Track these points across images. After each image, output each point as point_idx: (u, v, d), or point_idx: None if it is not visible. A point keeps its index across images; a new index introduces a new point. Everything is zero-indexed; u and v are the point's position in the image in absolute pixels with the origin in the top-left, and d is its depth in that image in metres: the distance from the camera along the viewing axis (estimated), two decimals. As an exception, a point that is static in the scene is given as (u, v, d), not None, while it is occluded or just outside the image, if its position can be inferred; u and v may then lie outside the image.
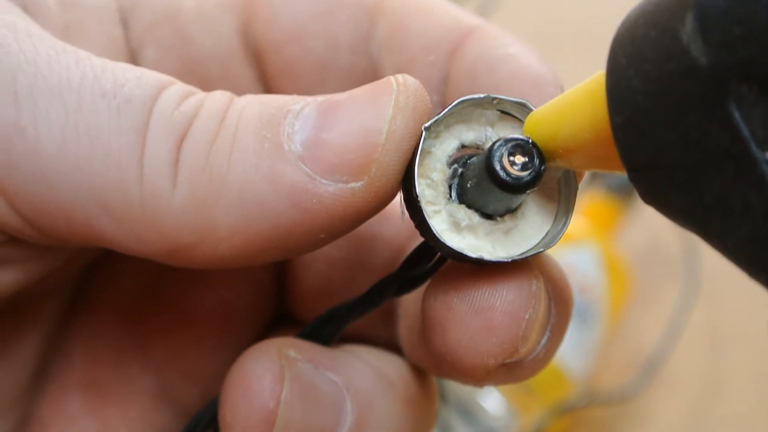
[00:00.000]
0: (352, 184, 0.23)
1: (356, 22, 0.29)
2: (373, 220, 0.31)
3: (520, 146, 0.22)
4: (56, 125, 0.23)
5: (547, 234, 0.24)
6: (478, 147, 0.24)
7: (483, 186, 0.23)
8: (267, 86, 0.30)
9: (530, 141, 0.22)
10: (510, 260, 0.23)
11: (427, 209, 0.23)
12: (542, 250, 0.24)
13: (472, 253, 0.23)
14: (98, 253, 0.31)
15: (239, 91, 0.29)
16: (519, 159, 0.22)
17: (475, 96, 0.24)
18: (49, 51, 0.23)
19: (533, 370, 0.26)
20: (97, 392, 0.31)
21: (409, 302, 0.29)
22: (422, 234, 0.24)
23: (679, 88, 0.18)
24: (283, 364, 0.26)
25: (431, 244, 0.24)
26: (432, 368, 0.29)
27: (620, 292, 0.64)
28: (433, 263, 0.26)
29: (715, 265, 0.67)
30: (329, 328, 0.28)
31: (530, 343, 0.25)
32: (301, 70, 0.29)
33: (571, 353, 0.59)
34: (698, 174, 0.19)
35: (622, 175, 0.22)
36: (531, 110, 0.24)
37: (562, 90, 0.25)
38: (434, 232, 0.23)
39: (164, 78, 0.24)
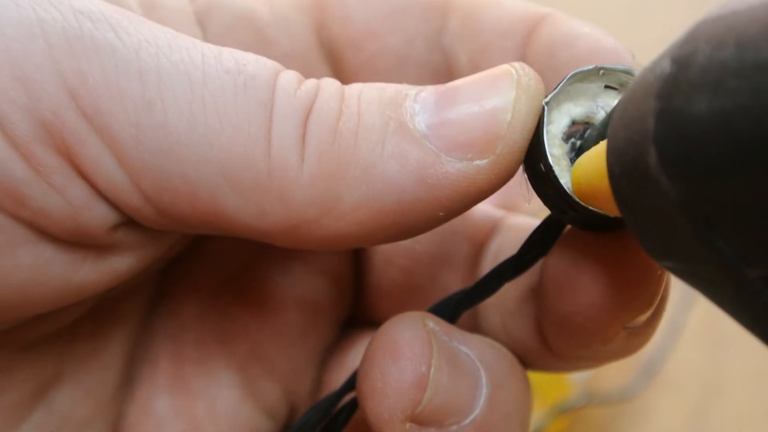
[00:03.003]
0: (477, 162, 0.24)
1: (429, 17, 0.30)
2: None
3: None
4: (183, 100, 0.23)
5: None
6: (587, 122, 0.25)
7: None
8: (344, 83, 0.32)
9: None
10: None
11: (561, 179, 0.24)
12: None
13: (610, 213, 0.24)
14: (178, 250, 0.31)
15: None
16: None
17: (585, 68, 0.25)
18: (166, 34, 0.24)
19: (647, 338, 0.27)
20: (184, 392, 0.31)
21: (505, 287, 0.30)
22: (553, 208, 0.25)
23: (660, 211, 0.18)
24: (428, 331, 0.27)
25: (563, 217, 0.25)
26: (536, 349, 0.29)
27: (620, 292, 0.64)
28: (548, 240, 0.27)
29: (714, 265, 0.67)
30: (446, 315, 0.29)
31: (659, 301, 0.25)
32: (380, 65, 0.30)
33: (571, 353, 0.59)
34: (704, 282, 0.19)
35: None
36: (635, 76, 0.25)
37: (635, 57, 0.27)
38: (575, 200, 0.24)
39: (277, 63, 0.25)
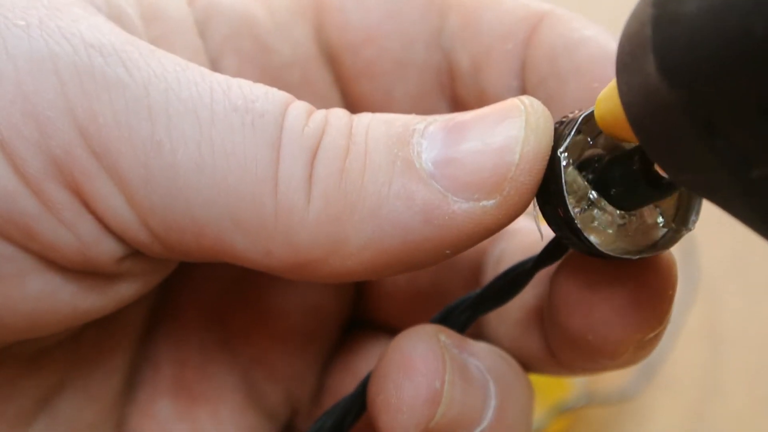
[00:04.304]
0: (484, 202, 0.23)
1: (427, 17, 0.30)
2: None
3: None
4: (192, 141, 0.23)
5: (677, 211, 0.25)
6: (597, 153, 0.25)
7: (630, 192, 0.24)
8: (344, 88, 0.31)
9: None
10: (669, 250, 0.25)
11: (582, 228, 0.24)
12: (691, 229, 0.24)
13: (634, 255, 0.24)
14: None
15: (319, 96, 0.30)
16: None
17: (593, 109, 0.24)
18: (176, 67, 0.24)
19: (652, 350, 0.27)
20: (187, 395, 0.31)
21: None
22: (571, 245, 0.25)
23: (666, 121, 0.19)
24: (442, 346, 0.27)
25: (580, 251, 0.25)
26: (542, 359, 0.29)
27: (619, 292, 0.64)
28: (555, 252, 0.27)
29: (713, 265, 0.67)
30: (455, 323, 0.29)
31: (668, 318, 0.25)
32: (378, 69, 0.30)
33: (571, 353, 0.59)
34: (716, 191, 0.19)
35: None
36: None
37: None
38: (595, 246, 0.24)
39: (286, 94, 0.24)
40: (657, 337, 0.27)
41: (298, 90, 0.30)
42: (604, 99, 0.23)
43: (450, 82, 0.30)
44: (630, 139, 0.22)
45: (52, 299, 0.25)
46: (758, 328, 0.65)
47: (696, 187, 0.20)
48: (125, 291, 0.26)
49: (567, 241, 0.25)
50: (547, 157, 0.24)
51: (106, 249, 0.24)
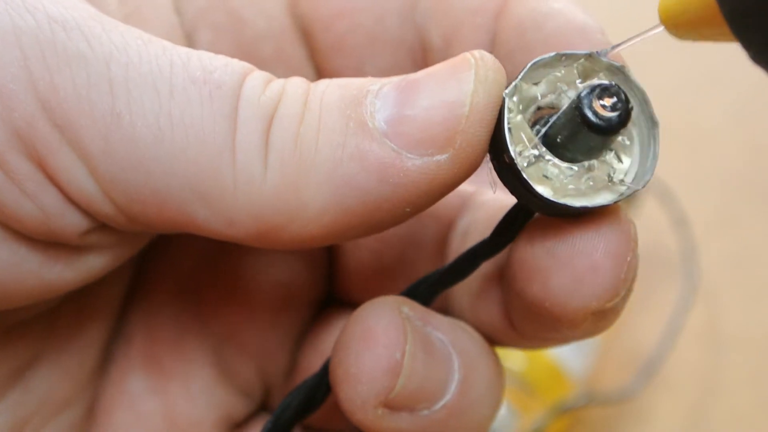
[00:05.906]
0: (438, 157, 0.24)
1: None
2: None
3: (607, 90, 0.23)
4: (151, 113, 0.23)
5: (636, 174, 0.25)
6: (552, 106, 0.25)
7: (573, 137, 0.24)
8: (318, 63, 0.31)
9: (615, 84, 0.24)
10: (613, 202, 0.25)
11: (524, 172, 0.24)
12: (641, 187, 0.25)
13: (576, 203, 0.24)
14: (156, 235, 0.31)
15: (293, 70, 0.30)
16: (608, 101, 0.23)
17: (545, 56, 0.25)
18: (137, 41, 0.24)
19: (612, 321, 0.27)
20: (159, 370, 0.31)
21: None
22: (519, 197, 0.25)
23: None
24: (404, 318, 0.27)
25: (530, 205, 0.25)
26: (502, 330, 0.29)
27: (620, 292, 0.64)
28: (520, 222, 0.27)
29: (713, 266, 0.67)
30: (421, 297, 0.29)
31: (628, 287, 0.25)
32: (350, 44, 0.30)
33: (571, 353, 0.59)
34: None
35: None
36: (597, 60, 0.25)
37: (605, 34, 0.26)
38: (539, 192, 0.24)
39: (246, 65, 0.24)
40: (618, 307, 0.27)
41: (272, 64, 0.30)
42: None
43: (422, 58, 0.30)
44: (700, 26, 0.22)
45: (18, 269, 0.25)
46: (758, 328, 0.65)
47: None
48: (93, 263, 0.26)
49: (515, 193, 0.25)
50: (497, 108, 0.24)
51: (71, 221, 0.24)
